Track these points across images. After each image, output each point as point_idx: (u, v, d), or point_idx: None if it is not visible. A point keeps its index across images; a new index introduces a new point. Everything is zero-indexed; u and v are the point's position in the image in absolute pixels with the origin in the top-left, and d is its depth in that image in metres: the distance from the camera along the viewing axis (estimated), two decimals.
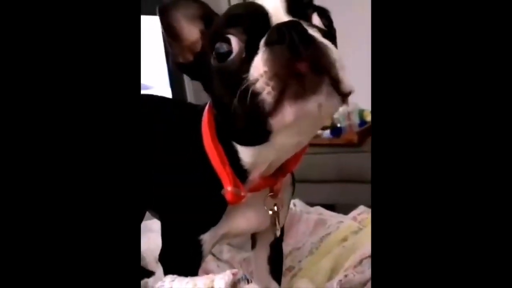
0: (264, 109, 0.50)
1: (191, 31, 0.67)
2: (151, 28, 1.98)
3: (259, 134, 0.56)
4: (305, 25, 0.52)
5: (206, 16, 0.66)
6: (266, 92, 0.49)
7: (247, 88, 0.51)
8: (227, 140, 0.68)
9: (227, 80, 0.56)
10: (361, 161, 2.07)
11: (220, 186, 0.68)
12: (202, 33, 0.66)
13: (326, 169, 2.26)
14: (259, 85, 0.50)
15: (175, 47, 0.66)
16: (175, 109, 0.96)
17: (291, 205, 1.30)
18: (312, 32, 0.52)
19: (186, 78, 2.44)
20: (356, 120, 2.50)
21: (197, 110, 0.75)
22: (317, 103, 0.50)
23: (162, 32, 0.65)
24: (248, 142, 0.62)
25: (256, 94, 0.50)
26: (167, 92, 2.45)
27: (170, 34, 0.66)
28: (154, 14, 0.64)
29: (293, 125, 0.52)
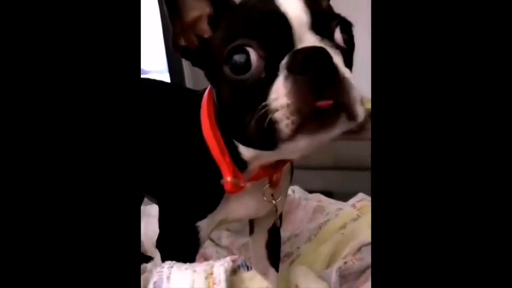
0: (279, 136, 0.51)
1: (196, 8, 0.62)
2: (148, 10, 1.94)
3: (267, 146, 0.56)
4: (328, 47, 0.53)
5: None
6: (285, 124, 0.50)
7: (265, 113, 0.51)
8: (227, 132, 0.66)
9: (243, 95, 0.56)
10: (359, 148, 2.05)
11: (218, 173, 0.68)
12: (209, 16, 0.62)
13: (324, 156, 2.25)
14: (278, 116, 0.51)
15: (177, 26, 0.62)
16: (173, 93, 0.94)
17: (290, 192, 1.30)
18: (335, 58, 0.52)
19: (184, 63, 2.41)
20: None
21: (197, 96, 0.74)
22: (331, 136, 0.53)
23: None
24: (252, 146, 0.60)
25: (274, 122, 0.51)
26: (165, 77, 2.42)
27: (172, 9, 0.61)
28: None
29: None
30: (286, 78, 0.51)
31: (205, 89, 0.72)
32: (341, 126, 0.53)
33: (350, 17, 0.60)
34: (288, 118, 0.50)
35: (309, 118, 0.50)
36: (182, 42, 0.63)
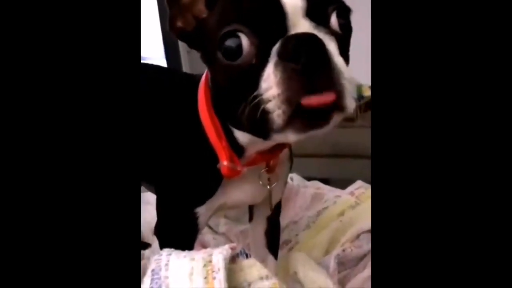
0: (272, 127, 0.51)
1: None
2: None
3: (260, 135, 0.55)
4: (322, 34, 0.52)
5: None
6: (277, 114, 0.50)
7: (258, 103, 0.51)
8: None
9: (235, 80, 0.55)
10: (357, 135, 2.06)
11: (216, 159, 0.67)
12: None
13: (322, 144, 2.26)
14: (270, 106, 0.50)
15: (174, 7, 0.61)
16: (171, 78, 0.93)
17: (288, 179, 1.30)
18: (329, 45, 0.51)
19: (182, 49, 2.39)
20: (354, 95, 2.47)
21: (195, 80, 0.73)
22: (323, 132, 0.52)
23: None
24: (246, 131, 0.60)
25: (267, 112, 0.50)
26: (162, 63, 2.40)
27: None
28: None
29: None
30: (277, 65, 0.50)
31: (203, 73, 0.71)
32: (333, 122, 0.52)
33: (350, 3, 0.59)
34: (279, 108, 0.50)
35: (300, 114, 0.49)
36: (179, 24, 0.62)
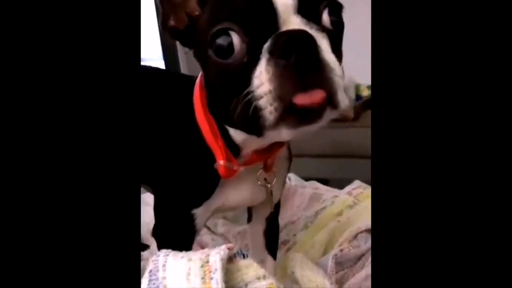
0: (264, 123, 0.51)
1: None
2: None
3: (253, 132, 0.55)
4: (314, 31, 0.52)
5: None
6: (269, 111, 0.50)
7: (250, 100, 0.51)
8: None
9: (227, 78, 0.55)
10: (356, 136, 2.06)
11: (213, 159, 0.67)
12: None
13: (320, 144, 2.26)
14: (263, 102, 0.50)
15: (166, 5, 0.61)
16: (168, 80, 0.93)
17: (286, 179, 1.30)
18: (320, 42, 0.51)
19: (180, 50, 2.39)
20: (352, 95, 2.48)
21: (192, 81, 0.73)
22: (315, 128, 0.52)
23: None
24: (240, 129, 0.60)
25: (259, 109, 0.50)
26: (160, 65, 2.40)
27: None
28: None
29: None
30: (268, 62, 0.50)
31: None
32: (326, 118, 0.52)
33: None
34: (271, 105, 0.50)
35: (292, 110, 0.49)
36: (172, 22, 0.62)
